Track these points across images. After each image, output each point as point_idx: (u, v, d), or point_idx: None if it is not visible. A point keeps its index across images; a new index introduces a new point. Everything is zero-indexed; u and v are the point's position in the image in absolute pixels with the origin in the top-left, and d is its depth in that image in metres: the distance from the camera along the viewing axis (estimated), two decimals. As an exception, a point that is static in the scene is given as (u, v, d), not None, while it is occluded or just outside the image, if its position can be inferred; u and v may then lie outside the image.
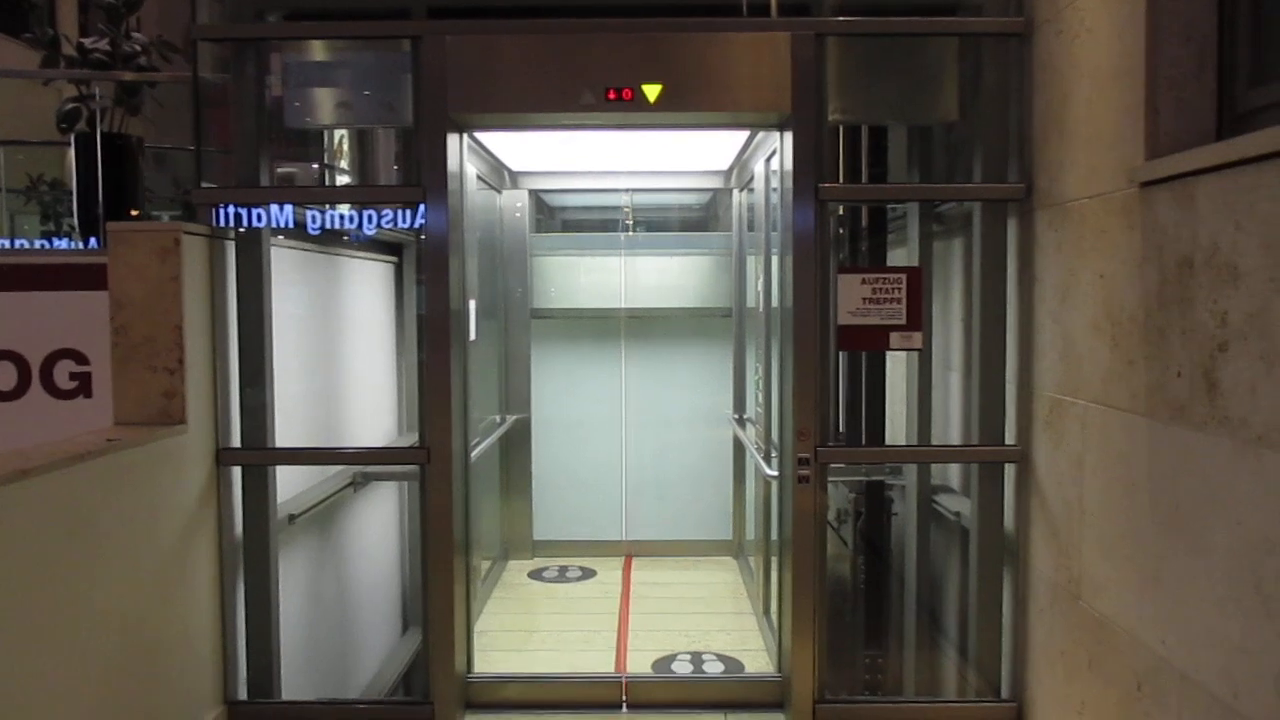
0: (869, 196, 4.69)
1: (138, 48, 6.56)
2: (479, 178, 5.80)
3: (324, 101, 4.04)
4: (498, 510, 7.04)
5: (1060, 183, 3.60)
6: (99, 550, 3.14)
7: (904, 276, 3.95)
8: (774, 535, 4.85)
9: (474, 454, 4.64)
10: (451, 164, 4.01)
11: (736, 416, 6.73)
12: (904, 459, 4.57)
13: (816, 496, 3.97)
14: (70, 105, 6.54)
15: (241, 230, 3.95)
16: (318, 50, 4.05)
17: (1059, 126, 3.61)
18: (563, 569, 6.90)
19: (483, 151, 5.76)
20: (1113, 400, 3.19)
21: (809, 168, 3.91)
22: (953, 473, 4.68)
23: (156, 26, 7.32)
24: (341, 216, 3.99)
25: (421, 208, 3.93)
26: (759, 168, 5.41)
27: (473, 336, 4.76)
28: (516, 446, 7.06)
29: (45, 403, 5.45)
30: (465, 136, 4.27)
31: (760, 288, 5.60)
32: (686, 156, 6.39)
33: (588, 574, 6.80)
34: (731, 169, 6.66)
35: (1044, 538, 3.74)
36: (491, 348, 6.77)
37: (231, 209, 3.89)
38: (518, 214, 6.99)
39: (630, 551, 7.15)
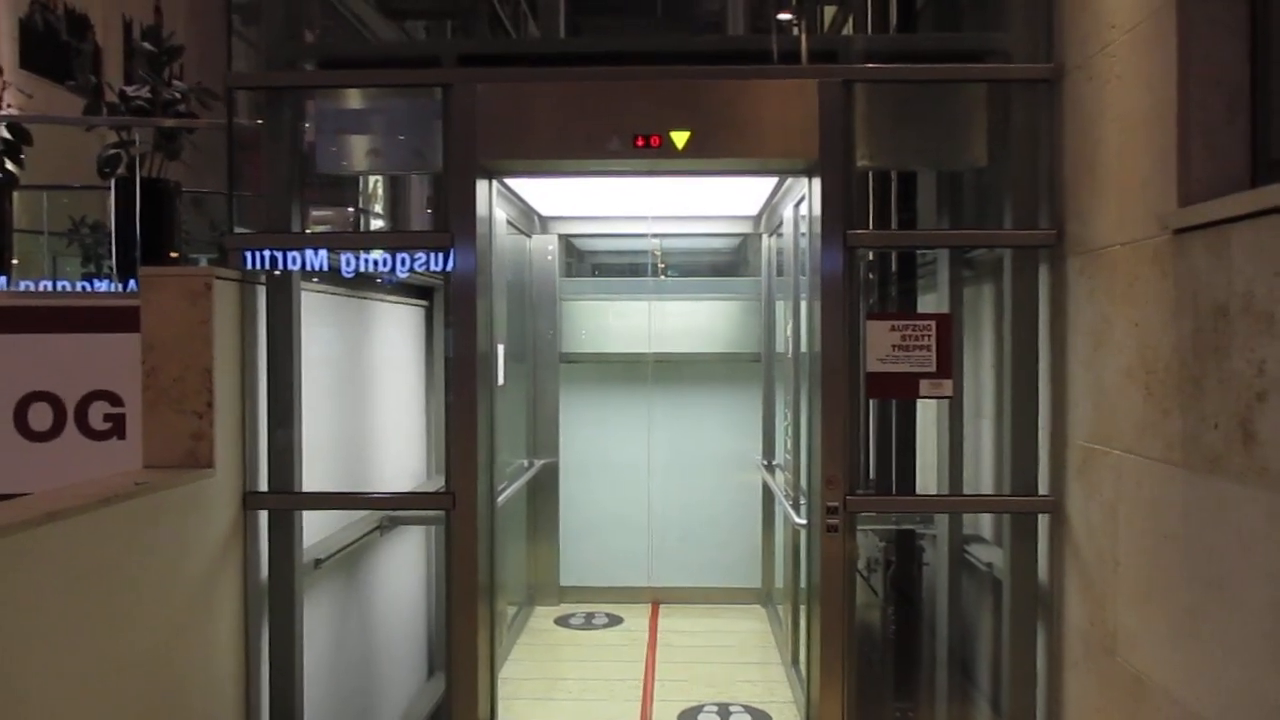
0: (897, 243, 4.67)
1: (177, 95, 6.72)
2: (509, 222, 5.84)
3: (355, 148, 4.09)
4: (524, 555, 7.01)
5: (1092, 229, 3.57)
6: (125, 593, 3.14)
7: (933, 323, 3.92)
8: (803, 583, 4.78)
9: (501, 499, 4.63)
10: (480, 209, 4.04)
11: (765, 462, 6.68)
12: (935, 509, 4.51)
13: (845, 545, 3.91)
14: (111, 150, 6.69)
15: (273, 274, 3.98)
16: (350, 97, 4.11)
17: (1090, 172, 3.58)
18: (589, 615, 6.85)
19: (513, 196, 5.81)
20: (1147, 450, 3.13)
21: (837, 214, 3.90)
22: (985, 522, 4.60)
23: (198, 73, 7.47)
24: (373, 261, 4.03)
25: (450, 252, 3.95)
26: (788, 213, 5.41)
27: (501, 381, 4.76)
28: (544, 490, 7.04)
29: (80, 444, 5.51)
30: (494, 183, 4.31)
31: (789, 333, 5.58)
32: (716, 202, 6.42)
33: (614, 621, 6.74)
34: (761, 214, 6.67)
35: (1078, 590, 3.66)
36: (520, 391, 6.78)
37: (265, 253, 3.93)
38: (548, 258, 7.03)
39: (657, 598, 7.08)
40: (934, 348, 3.89)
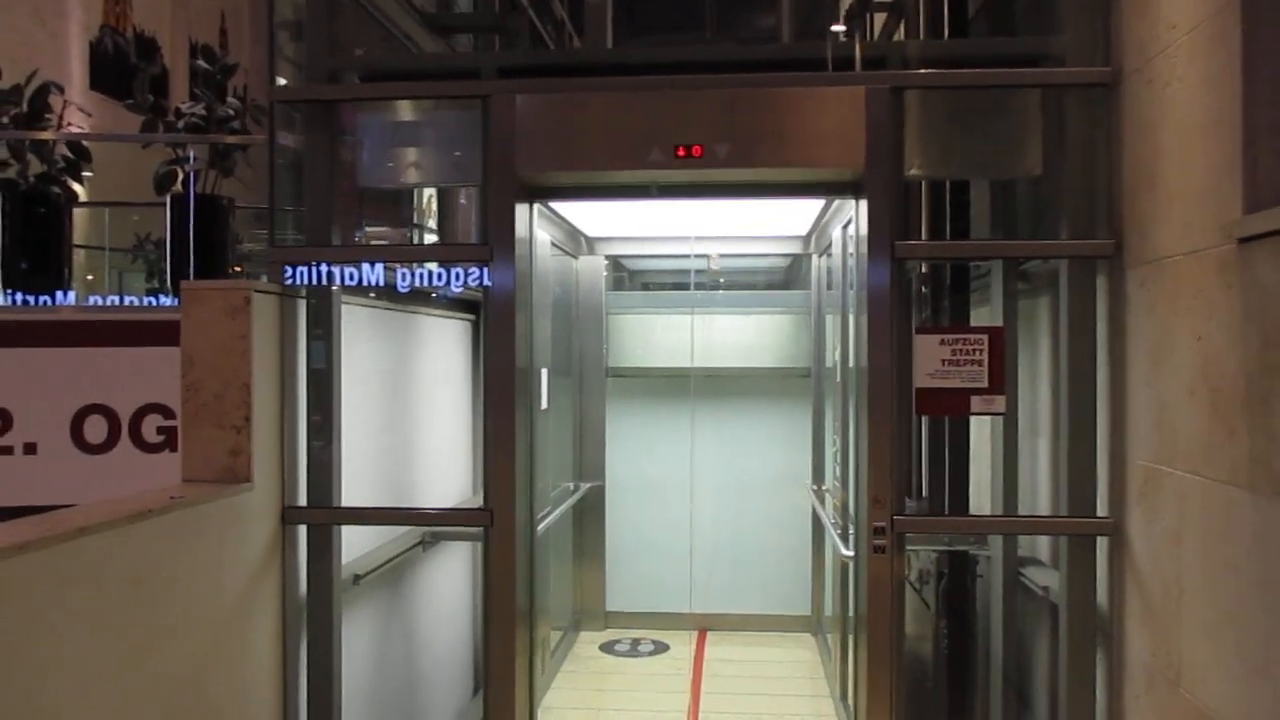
0: (948, 254, 4.52)
1: (231, 112, 6.80)
2: (554, 244, 5.79)
3: (395, 161, 4.07)
4: (571, 579, 6.93)
5: (1152, 239, 3.41)
6: (159, 608, 3.12)
7: (985, 337, 3.78)
8: (851, 612, 4.64)
9: (545, 523, 4.56)
10: (520, 227, 3.99)
11: (815, 487, 6.52)
12: (987, 529, 4.33)
13: (893, 567, 3.77)
14: (166, 168, 6.79)
15: (314, 288, 3.97)
16: (389, 110, 4.09)
17: (1149, 180, 3.42)
18: (635, 642, 6.75)
19: (557, 218, 5.76)
20: (1212, 471, 2.96)
21: (885, 224, 3.79)
22: (1041, 544, 4.42)
23: (261, 94, 7.56)
24: (413, 275, 4.00)
25: (488, 267, 3.90)
26: (836, 233, 5.30)
27: (544, 405, 4.70)
28: (591, 513, 6.97)
29: (133, 456, 5.58)
30: (537, 205, 4.27)
31: (837, 353, 5.45)
32: (764, 222, 6.32)
33: (660, 648, 6.63)
34: (810, 234, 6.56)
35: (1139, 618, 3.48)
36: (566, 412, 6.73)
37: (304, 268, 3.92)
38: (596, 278, 6.98)
39: (704, 625, 6.96)
40: (986, 362, 3.75)
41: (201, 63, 7.01)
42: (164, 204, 6.66)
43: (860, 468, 3.95)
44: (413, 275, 3.96)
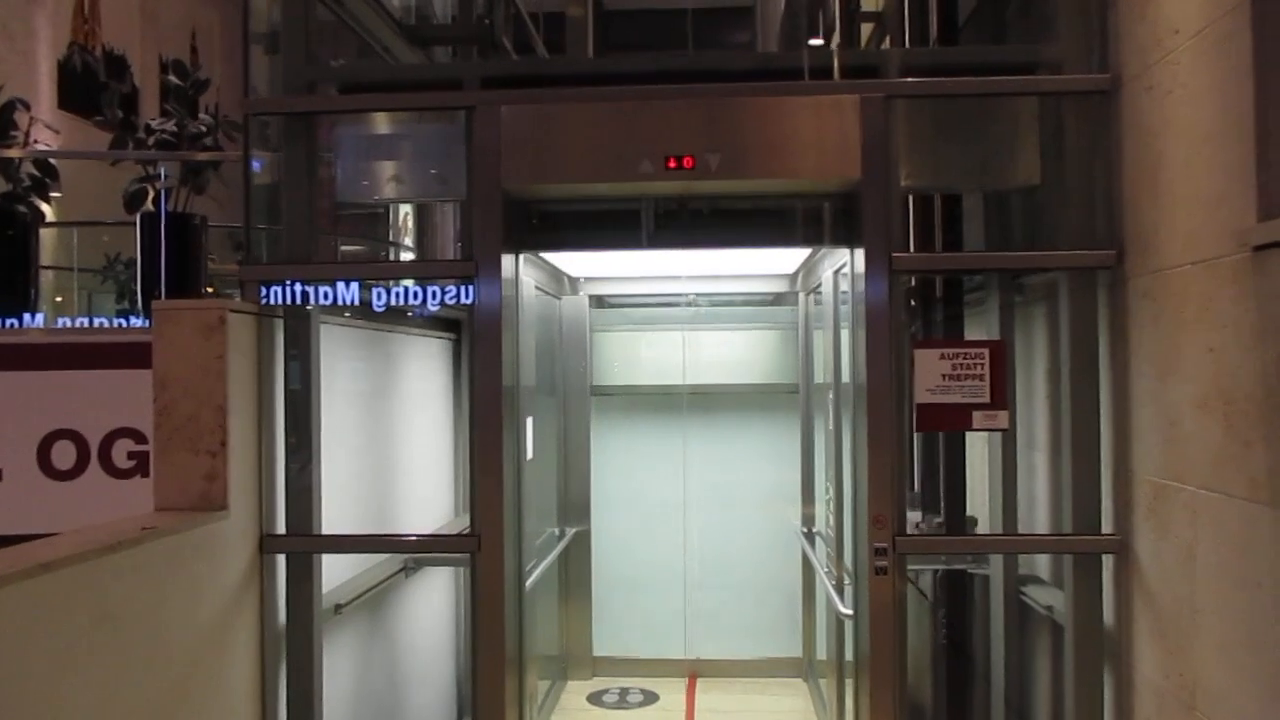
0: (946, 266, 4.43)
1: (203, 128, 6.64)
2: (537, 287, 5.65)
3: (375, 175, 3.94)
4: (556, 623, 6.77)
5: (1156, 249, 3.33)
6: (132, 644, 2.95)
7: (986, 351, 3.68)
8: (849, 659, 4.52)
9: (533, 578, 4.46)
10: (506, 269, 3.87)
11: (805, 530, 6.40)
12: (991, 549, 4.23)
13: (895, 589, 3.66)
14: (136, 185, 6.62)
15: (291, 307, 3.83)
16: (369, 122, 3.97)
17: (1152, 188, 3.34)
18: (623, 691, 6.58)
19: (540, 261, 5.64)
20: (1227, 486, 2.87)
21: (881, 237, 3.69)
22: (1041, 562, 4.32)
23: (227, 106, 7.40)
24: (396, 293, 3.86)
25: (474, 282, 3.77)
26: (827, 275, 5.22)
27: (529, 456, 4.58)
28: (576, 557, 6.81)
29: (103, 482, 5.37)
30: (522, 257, 4.22)
31: (831, 426, 5.35)
32: (751, 260, 6.22)
33: (650, 698, 6.47)
34: (798, 273, 6.47)
35: (1149, 638, 3.38)
36: (551, 451, 6.59)
37: (280, 286, 3.78)
38: (580, 319, 6.87)
39: (695, 670, 6.81)
40: (988, 377, 3.65)
41: (172, 78, 6.85)
42: (134, 223, 6.47)
43: (860, 490, 3.84)
44: (388, 294, 3.81)
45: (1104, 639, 3.69)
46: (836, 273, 4.90)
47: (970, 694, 4.56)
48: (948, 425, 3.85)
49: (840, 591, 4.62)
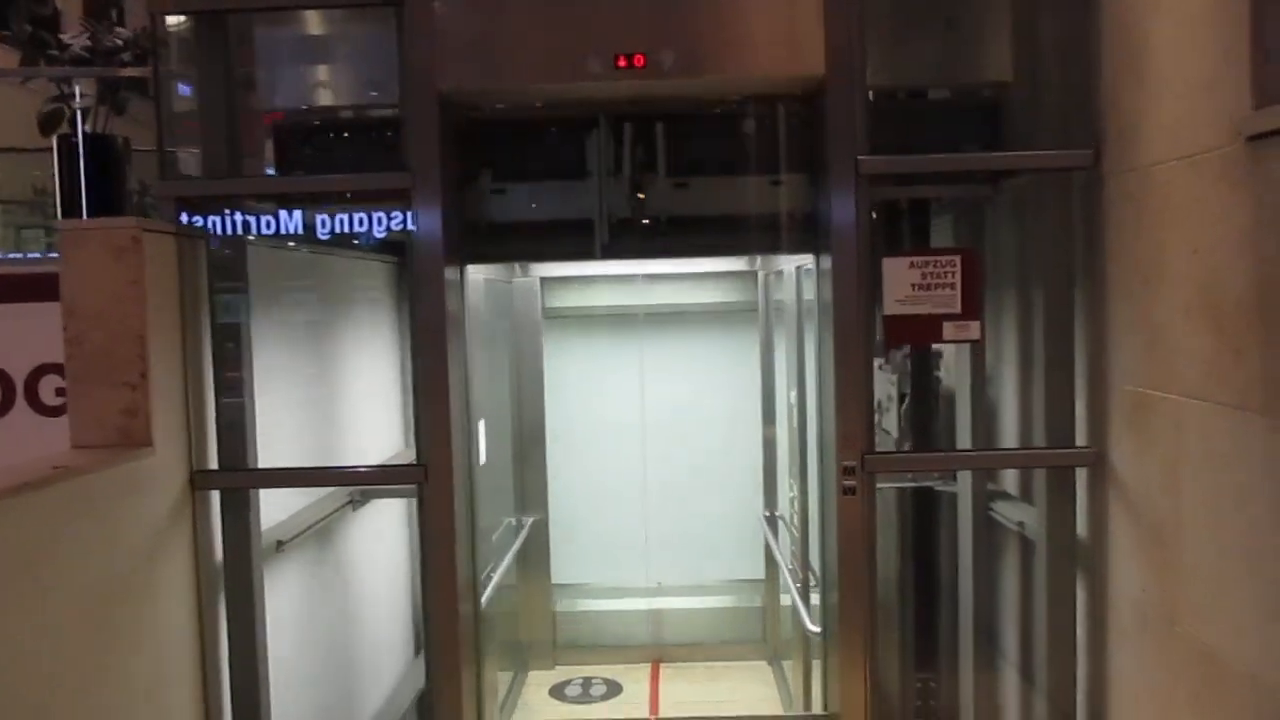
0: (914, 169, 4.20)
1: (119, 42, 6.19)
2: (485, 280, 5.35)
3: (299, 82, 3.62)
4: (517, 612, 6.61)
5: (1138, 144, 3.13)
6: (45, 589, 2.71)
7: (957, 259, 3.49)
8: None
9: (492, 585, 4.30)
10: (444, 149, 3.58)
11: (768, 514, 6.25)
12: (962, 465, 4.08)
13: (864, 513, 3.50)
14: (50, 107, 6.18)
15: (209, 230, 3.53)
16: (291, 22, 3.63)
17: (1136, 78, 3.13)
18: (586, 682, 6.47)
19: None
20: (1216, 395, 2.72)
21: (847, 139, 3.45)
22: (1009, 476, 4.20)
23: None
24: (336, 220, 3.57)
25: (410, 198, 3.49)
26: (789, 269, 5.00)
27: (482, 460, 4.36)
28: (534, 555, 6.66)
29: (30, 420, 5.08)
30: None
31: (793, 400, 5.15)
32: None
33: (614, 690, 6.36)
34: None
35: (1128, 553, 3.26)
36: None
37: (208, 213, 3.48)
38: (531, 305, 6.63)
39: (658, 656, 6.71)
40: (958, 286, 3.47)
41: (84, -13, 6.38)
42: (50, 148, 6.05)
43: (826, 408, 3.66)
44: (315, 219, 3.51)
45: (1076, 554, 3.58)
46: (799, 267, 4.73)
47: (938, 612, 4.47)
48: (917, 337, 3.67)
49: (806, 598, 4.49)
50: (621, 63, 3.43)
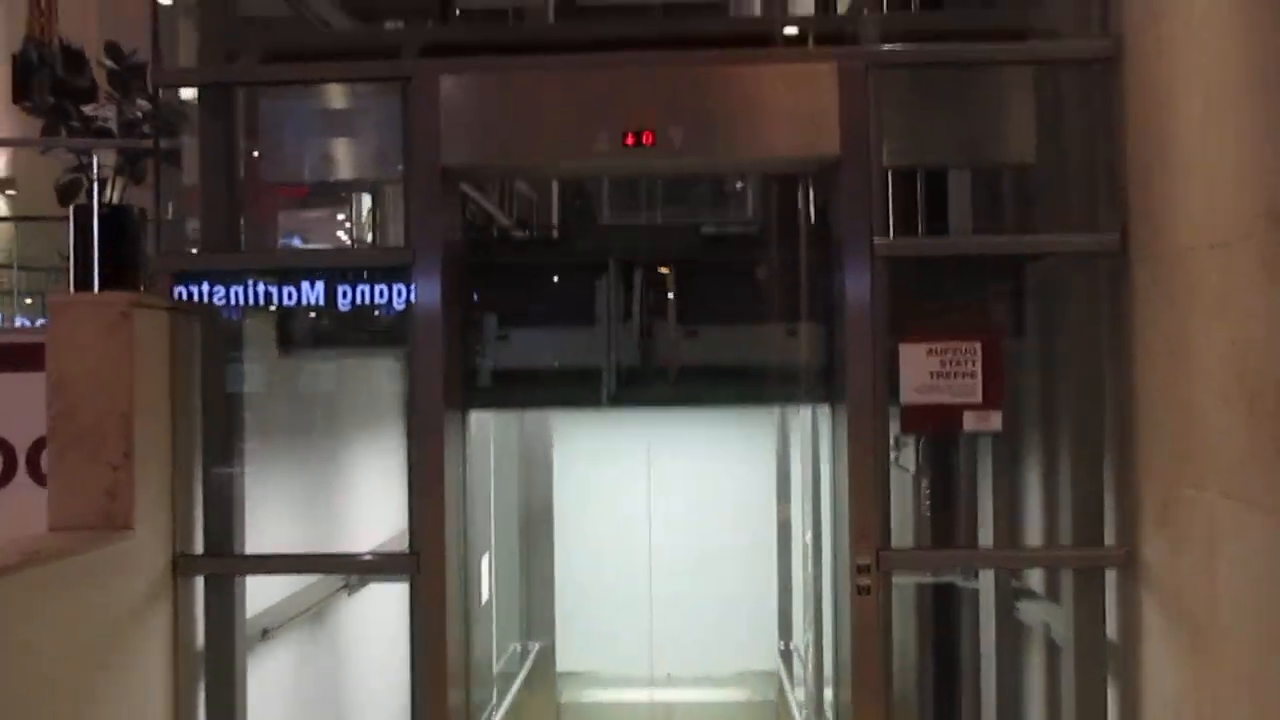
0: (932, 251, 4.08)
1: (140, 114, 6.22)
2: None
3: (303, 153, 3.55)
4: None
5: (1167, 229, 2.99)
6: (13, 676, 2.56)
7: (977, 346, 3.34)
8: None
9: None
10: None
11: (782, 646, 6.03)
12: (987, 563, 3.87)
13: (880, 610, 3.30)
14: (69, 177, 6.21)
15: (207, 303, 3.44)
16: (297, 96, 3.57)
17: (1163, 163, 3.00)
18: None
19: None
20: (1254, 494, 2.53)
21: (861, 220, 3.33)
22: (1034, 572, 3.99)
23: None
24: (316, 292, 3.48)
25: (411, 273, 3.39)
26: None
27: (485, 598, 4.22)
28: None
29: (31, 491, 4.98)
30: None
31: (809, 540, 4.99)
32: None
33: None
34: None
35: (1163, 658, 3.05)
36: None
37: (199, 281, 3.40)
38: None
39: None
40: (979, 374, 3.31)
41: (107, 61, 6.43)
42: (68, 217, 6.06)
43: (840, 500, 3.48)
44: (303, 288, 3.42)
45: (1108, 658, 3.36)
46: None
47: (959, 716, 4.22)
48: (936, 427, 3.50)
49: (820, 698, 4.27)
50: (630, 140, 3.34)
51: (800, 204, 4.09)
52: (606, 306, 3.77)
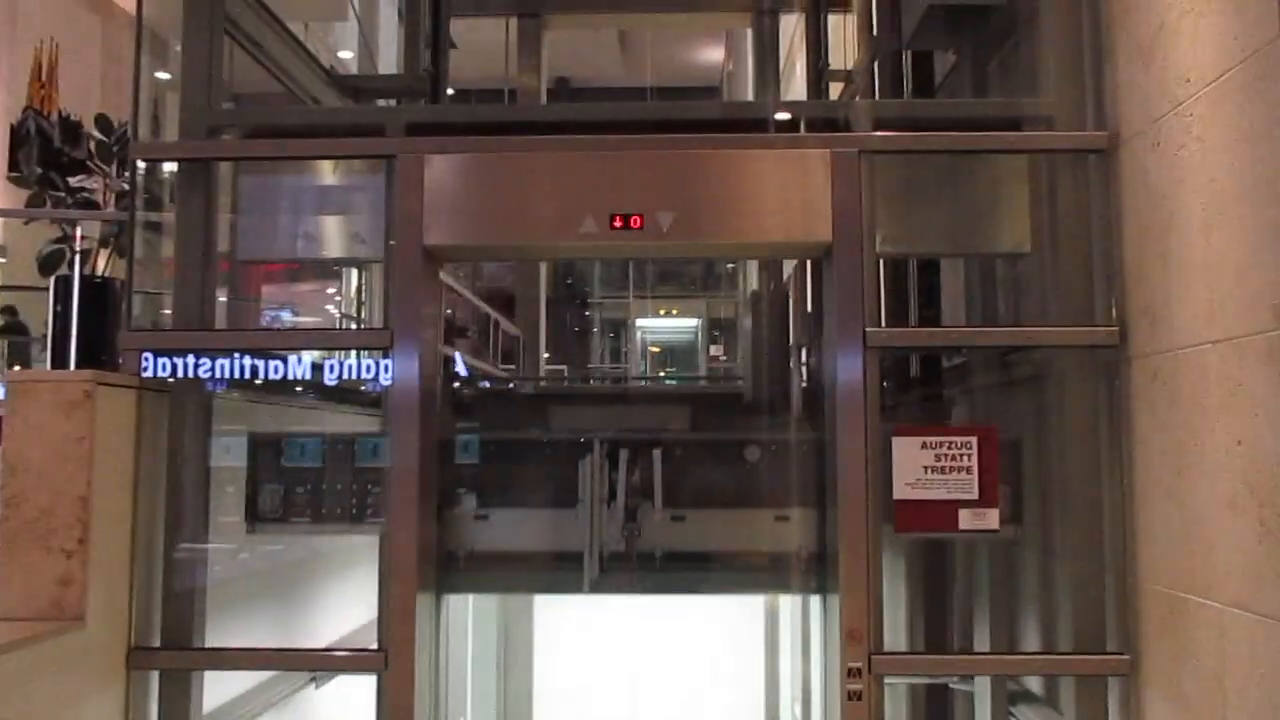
0: (926, 342, 3.99)
1: (126, 186, 6.16)
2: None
3: (280, 232, 3.46)
4: None
5: (1167, 325, 2.90)
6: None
7: (974, 440, 3.23)
8: None
9: None
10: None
11: None
12: (981, 669, 3.69)
13: (871, 717, 3.13)
14: (51, 248, 6.12)
15: (179, 379, 3.32)
16: (279, 172, 3.50)
17: (1162, 258, 2.93)
18: None
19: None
20: (1265, 605, 2.41)
21: (854, 309, 3.24)
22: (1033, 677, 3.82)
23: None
24: (300, 372, 3.36)
25: (390, 354, 3.28)
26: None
27: None
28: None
29: None
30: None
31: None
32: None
33: None
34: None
35: (1171, 780, 2.88)
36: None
37: (169, 357, 3.28)
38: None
39: None
40: (976, 469, 3.19)
41: (95, 133, 6.40)
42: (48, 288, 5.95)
43: (829, 599, 3.33)
44: (285, 364, 3.30)
45: (1113, 774, 3.19)
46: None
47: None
48: (931, 525, 3.36)
49: None
50: (618, 223, 3.27)
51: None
52: (590, 489, 3.59)
